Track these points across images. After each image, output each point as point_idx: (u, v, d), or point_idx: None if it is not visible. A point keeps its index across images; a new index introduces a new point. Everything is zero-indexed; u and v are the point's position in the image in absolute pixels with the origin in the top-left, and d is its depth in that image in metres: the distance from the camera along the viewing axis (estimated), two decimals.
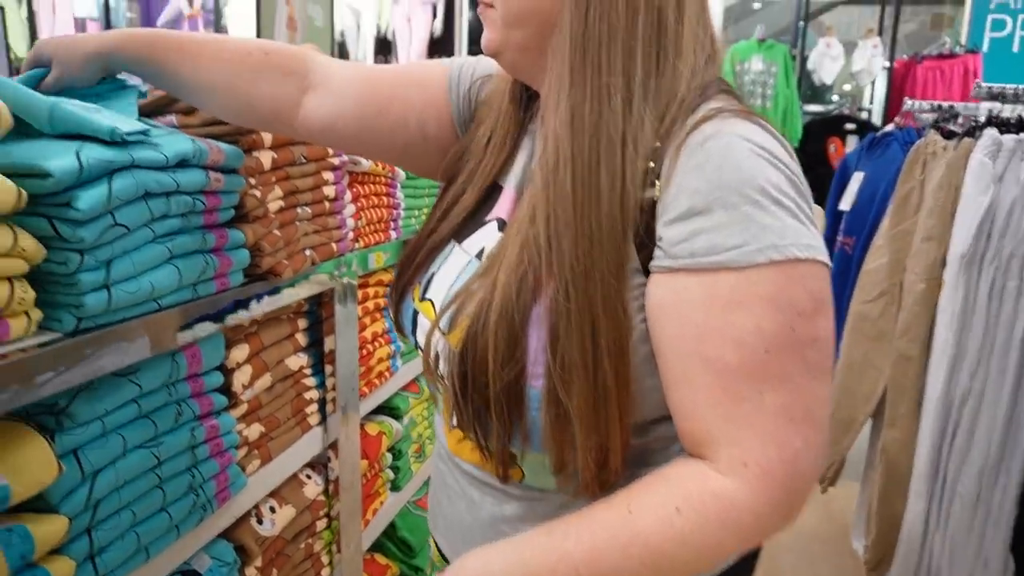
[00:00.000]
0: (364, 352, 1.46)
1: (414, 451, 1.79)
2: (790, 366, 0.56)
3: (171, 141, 0.84)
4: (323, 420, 1.32)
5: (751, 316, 0.56)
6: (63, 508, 0.76)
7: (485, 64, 0.83)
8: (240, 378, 1.06)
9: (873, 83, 5.05)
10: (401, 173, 1.52)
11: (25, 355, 0.69)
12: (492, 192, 0.76)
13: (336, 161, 1.21)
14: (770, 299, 0.55)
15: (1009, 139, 1.32)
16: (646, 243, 0.60)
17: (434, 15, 5.07)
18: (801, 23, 4.88)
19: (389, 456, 1.66)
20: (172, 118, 0.99)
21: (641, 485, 0.61)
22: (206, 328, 0.93)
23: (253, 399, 1.11)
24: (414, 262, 0.79)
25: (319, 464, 1.36)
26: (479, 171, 0.77)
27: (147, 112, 0.99)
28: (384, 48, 5.33)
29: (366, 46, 5.33)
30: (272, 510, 1.19)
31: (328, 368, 1.32)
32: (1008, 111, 1.47)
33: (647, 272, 0.61)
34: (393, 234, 1.54)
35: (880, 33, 4.85)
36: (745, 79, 4.76)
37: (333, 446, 1.36)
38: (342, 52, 5.53)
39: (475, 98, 0.83)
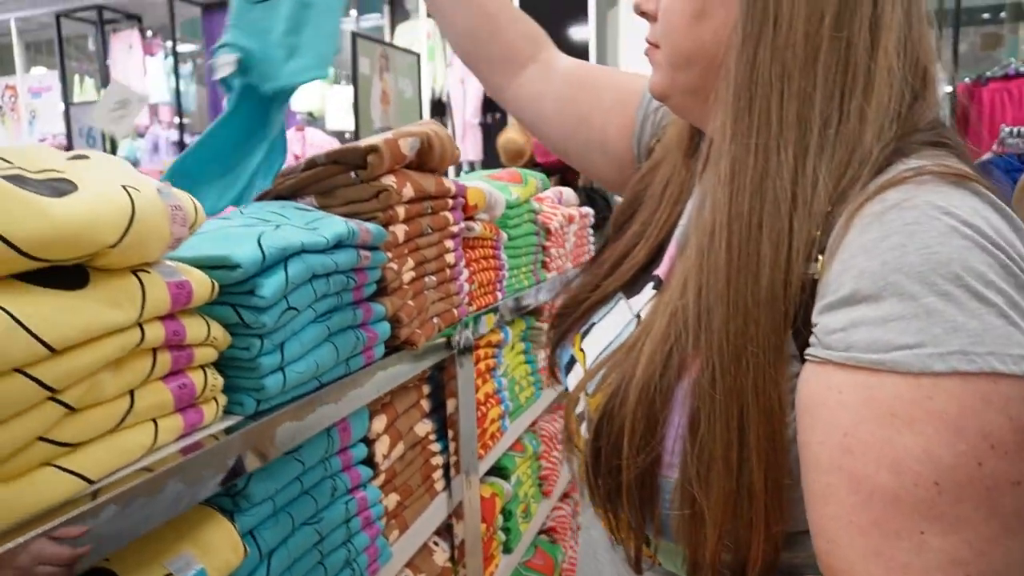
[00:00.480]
0: (478, 414, 1.46)
1: (521, 511, 1.77)
2: (971, 510, 0.43)
3: (328, 224, 0.87)
4: (448, 485, 1.32)
5: (919, 437, 0.43)
6: None
7: None
8: (380, 448, 1.08)
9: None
10: (504, 235, 1.55)
11: (221, 440, 0.71)
12: (664, 245, 0.71)
13: (456, 229, 1.24)
14: (950, 421, 0.43)
15: None
16: (802, 329, 0.51)
17: None
18: None
19: (500, 518, 1.65)
20: (312, 199, 1.03)
21: None
22: (356, 401, 0.95)
23: (389, 468, 1.12)
24: (579, 308, 0.77)
25: (444, 530, 1.35)
26: (653, 222, 0.72)
27: (287, 195, 1.04)
28: (439, 110, 5.49)
29: (424, 111, 5.49)
30: None
31: (450, 432, 1.32)
32: None
33: (803, 360, 0.51)
34: (499, 295, 1.55)
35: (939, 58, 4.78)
36: None
37: (456, 511, 1.35)
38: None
39: (658, 127, 0.83)
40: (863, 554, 0.45)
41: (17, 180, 0.54)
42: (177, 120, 5.87)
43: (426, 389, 1.27)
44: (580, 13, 4.61)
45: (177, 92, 5.72)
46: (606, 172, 0.92)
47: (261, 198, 1.07)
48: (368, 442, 1.05)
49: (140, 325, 0.63)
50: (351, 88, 4.78)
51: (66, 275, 0.58)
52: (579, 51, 5.21)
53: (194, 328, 0.69)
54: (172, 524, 0.71)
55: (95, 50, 6.37)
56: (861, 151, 0.52)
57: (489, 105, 5.33)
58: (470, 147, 5.36)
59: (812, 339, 0.50)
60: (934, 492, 0.43)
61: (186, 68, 6.32)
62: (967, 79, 4.55)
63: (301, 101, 4.98)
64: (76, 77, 6.59)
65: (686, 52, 0.60)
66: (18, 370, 0.51)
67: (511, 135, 5.08)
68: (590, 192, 5.13)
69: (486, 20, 0.93)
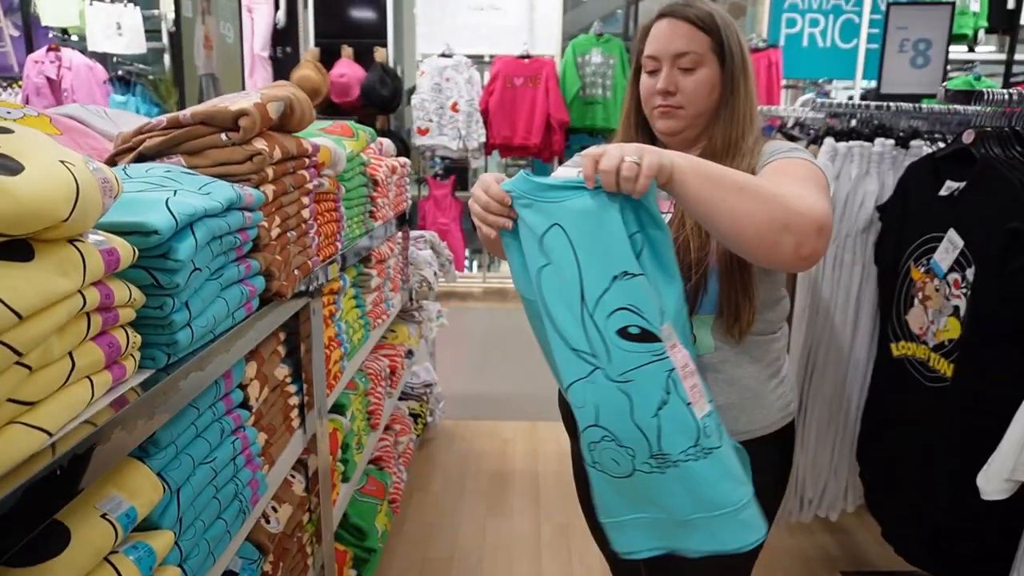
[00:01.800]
0: (324, 356, 1.57)
1: (356, 443, 1.91)
2: (821, 190, 1.05)
3: (219, 189, 0.93)
4: (303, 422, 1.43)
5: (803, 167, 1.08)
6: (164, 523, 0.86)
7: None
8: (253, 392, 1.16)
9: None
10: (343, 188, 1.63)
11: (143, 394, 0.78)
12: None
13: (311, 186, 1.31)
14: (807, 163, 1.09)
15: (842, 146, 1.70)
16: None
17: (276, 6, 4.95)
18: (631, 23, 5.33)
19: (340, 451, 1.78)
20: (180, 158, 1.06)
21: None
22: (240, 351, 1.03)
23: (257, 410, 1.21)
24: None
25: (298, 464, 1.46)
26: None
27: (151, 155, 1.06)
28: None
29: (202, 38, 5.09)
30: (275, 510, 1.30)
31: (304, 374, 1.42)
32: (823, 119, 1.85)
33: None
34: (339, 245, 1.65)
35: None
36: (587, 70, 5.13)
37: (309, 445, 1.47)
38: (173, 43, 5.25)
39: None
40: (797, 193, 0.97)
41: None
42: None
43: (282, 336, 1.35)
44: None
45: None
46: None
47: (117, 155, 1.08)
48: (243, 387, 1.13)
49: (81, 291, 0.68)
50: (118, 5, 4.31)
51: (13, 249, 0.62)
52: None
53: (120, 291, 0.75)
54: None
55: None
56: (756, 137, 1.18)
57: (279, 37, 5.09)
58: (260, 81, 5.10)
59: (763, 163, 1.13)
60: (808, 174, 1.06)
61: None
62: None
63: (54, 15, 4.35)
64: None
65: (700, 111, 1.18)
66: None
67: (306, 72, 4.91)
68: (388, 136, 5.18)
69: None
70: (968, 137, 1.36)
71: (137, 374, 0.81)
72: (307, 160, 1.28)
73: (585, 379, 0.98)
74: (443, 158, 5.23)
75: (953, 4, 2.66)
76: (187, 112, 1.07)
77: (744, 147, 1.15)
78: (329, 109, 5.06)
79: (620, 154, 0.88)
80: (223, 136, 1.06)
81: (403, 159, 2.39)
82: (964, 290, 1.29)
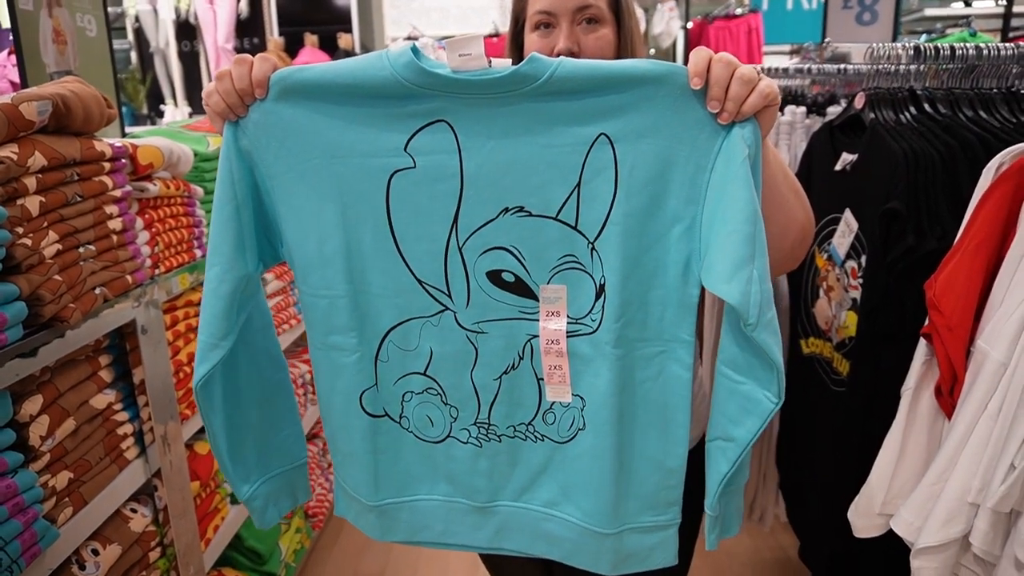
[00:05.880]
0: (182, 375, 1.44)
1: None
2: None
3: None
4: (143, 452, 1.31)
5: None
6: None
7: None
8: (37, 430, 1.03)
9: (674, 44, 5.41)
10: (199, 190, 1.50)
11: None
12: None
13: (119, 193, 1.18)
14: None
15: (783, 120, 1.53)
16: None
17: None
18: None
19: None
20: None
21: None
22: None
23: (57, 447, 1.08)
24: None
25: (145, 496, 1.34)
26: None
27: None
28: (187, 32, 5.03)
29: (167, 32, 4.99)
30: (95, 552, 1.18)
31: (141, 399, 1.30)
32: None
33: None
34: (198, 252, 1.51)
35: None
36: None
37: (158, 475, 1.35)
38: (139, 39, 5.15)
39: None
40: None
41: None
42: None
43: (104, 360, 1.23)
44: None
45: None
46: None
47: None
48: (19, 425, 1.01)
49: None
50: None
51: None
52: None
53: None
54: None
55: None
56: None
57: (244, 28, 4.97)
58: None
59: None
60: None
61: None
62: (698, 17, 4.99)
63: None
64: None
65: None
66: None
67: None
68: None
69: None
70: (859, 101, 1.17)
71: None
72: (107, 164, 1.15)
73: (427, 319, 0.84)
74: None
75: None
76: None
77: None
78: None
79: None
80: None
81: None
82: (860, 280, 1.12)
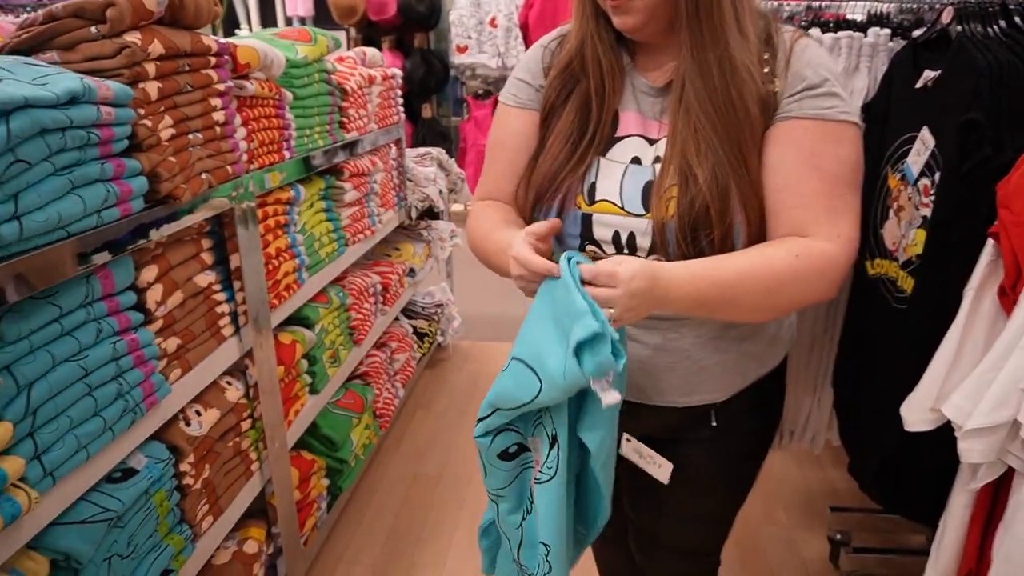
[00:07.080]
0: (270, 267, 1.56)
1: (328, 357, 1.92)
2: (856, 184, 0.88)
3: (59, 80, 0.90)
4: (237, 331, 1.43)
5: (844, 147, 0.87)
6: (6, 416, 0.87)
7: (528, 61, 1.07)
8: (152, 296, 1.16)
9: None
10: (288, 95, 1.58)
11: None
12: (616, 117, 0.98)
13: (222, 87, 1.27)
14: (853, 142, 0.88)
15: (828, 37, 1.49)
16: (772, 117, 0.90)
17: None
18: None
19: (305, 363, 1.79)
20: (53, 54, 1.03)
21: (767, 243, 0.89)
22: (109, 251, 1.02)
23: (168, 315, 1.21)
24: (556, 182, 0.96)
25: (237, 372, 1.48)
26: (605, 107, 0.97)
27: (27, 50, 1.03)
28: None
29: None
30: (198, 413, 1.32)
31: (236, 284, 1.42)
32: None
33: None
34: (287, 154, 1.61)
35: None
36: None
37: (249, 355, 1.47)
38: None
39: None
40: (822, 208, 0.86)
41: None
42: None
43: (206, 243, 1.34)
44: None
45: None
46: None
47: None
48: (139, 290, 1.13)
49: None
50: None
51: None
52: None
53: None
54: None
55: None
56: (755, 27, 0.91)
57: None
58: (300, 2, 5.05)
59: (781, 113, 0.88)
60: (853, 175, 0.88)
61: None
62: None
63: None
64: None
65: (658, 3, 0.90)
66: None
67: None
68: (427, 55, 5.05)
69: None
70: (947, 16, 1.15)
71: None
72: (212, 59, 1.23)
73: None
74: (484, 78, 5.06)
75: None
76: (59, 5, 1.03)
77: (736, 56, 0.88)
78: (369, 28, 4.97)
79: (607, 296, 0.78)
80: (93, 29, 1.02)
81: (392, 70, 2.31)
82: (932, 197, 1.12)
